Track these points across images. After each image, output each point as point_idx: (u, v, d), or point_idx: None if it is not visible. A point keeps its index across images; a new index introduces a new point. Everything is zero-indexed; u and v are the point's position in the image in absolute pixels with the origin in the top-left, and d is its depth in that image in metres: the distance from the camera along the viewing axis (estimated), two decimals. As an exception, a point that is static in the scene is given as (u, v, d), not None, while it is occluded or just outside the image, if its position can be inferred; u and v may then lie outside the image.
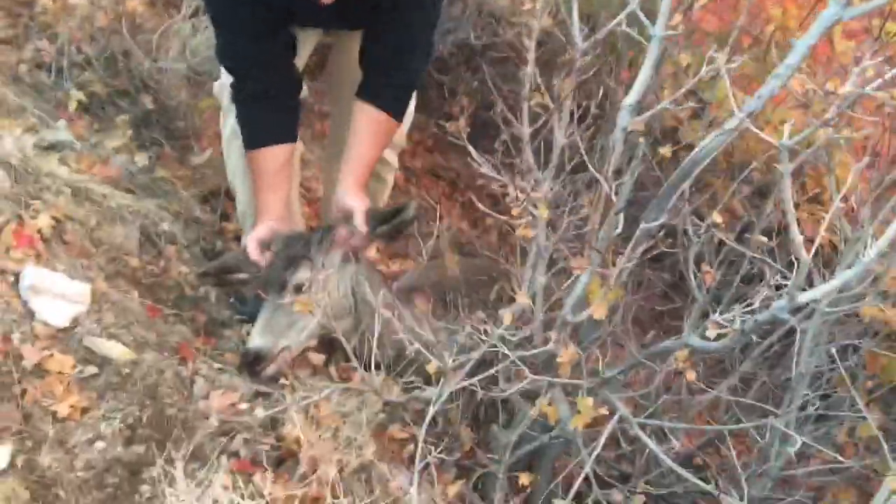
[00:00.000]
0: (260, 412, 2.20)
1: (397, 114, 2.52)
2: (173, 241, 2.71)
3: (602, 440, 2.05)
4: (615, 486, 2.25)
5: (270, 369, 2.25)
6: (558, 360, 2.05)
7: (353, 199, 2.35)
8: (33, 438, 1.79)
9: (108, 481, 1.84)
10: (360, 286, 2.38)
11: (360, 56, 2.48)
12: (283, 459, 2.11)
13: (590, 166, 2.13)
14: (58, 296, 2.07)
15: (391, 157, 2.94)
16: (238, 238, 3.00)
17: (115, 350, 2.09)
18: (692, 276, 2.16)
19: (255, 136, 2.44)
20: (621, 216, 2.07)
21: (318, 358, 2.43)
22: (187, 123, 3.16)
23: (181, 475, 1.86)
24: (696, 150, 2.07)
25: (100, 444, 1.88)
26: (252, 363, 2.23)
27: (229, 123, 2.58)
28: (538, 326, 2.11)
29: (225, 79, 2.54)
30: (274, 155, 2.42)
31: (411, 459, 2.29)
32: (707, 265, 2.15)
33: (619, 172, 2.12)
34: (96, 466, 1.84)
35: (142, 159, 2.92)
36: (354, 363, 2.35)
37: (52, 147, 2.60)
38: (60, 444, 1.82)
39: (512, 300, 2.19)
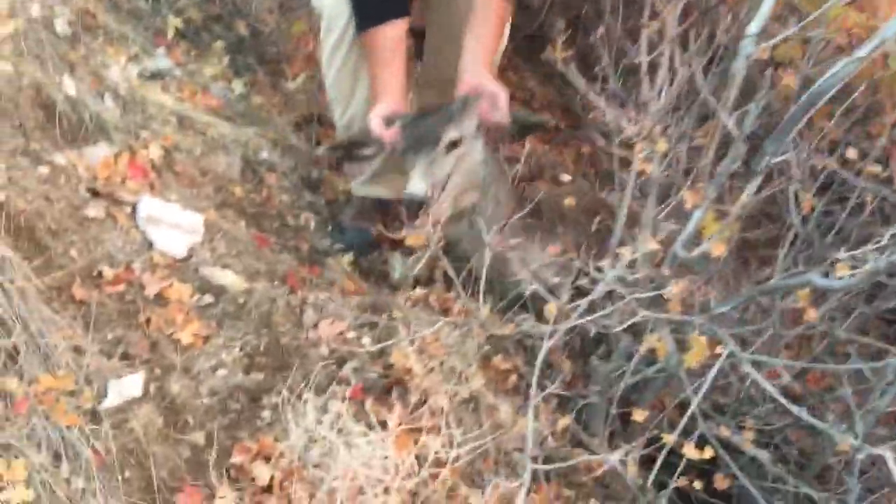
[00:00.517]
0: (367, 342, 2.25)
1: None
2: (272, 169, 2.73)
3: (710, 377, 2.03)
4: (715, 418, 2.24)
5: (423, 219, 2.22)
6: (668, 295, 2.03)
7: (492, 83, 2.34)
8: (161, 366, 1.86)
9: (232, 407, 1.90)
10: (492, 163, 2.41)
11: None
12: (391, 388, 2.15)
13: (707, 97, 2.06)
14: (173, 226, 2.11)
15: None
16: (331, 166, 3.01)
17: (230, 279, 2.13)
18: (792, 206, 2.09)
19: (369, 14, 2.40)
20: (743, 148, 2.00)
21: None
22: (279, 49, 3.14)
23: (301, 402, 1.92)
24: (825, 77, 1.97)
25: (222, 372, 1.94)
26: (416, 207, 2.23)
27: (331, 38, 2.53)
28: (650, 264, 2.08)
29: None
30: (389, 32, 2.39)
31: (515, 390, 2.33)
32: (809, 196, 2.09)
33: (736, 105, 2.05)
34: (220, 392, 1.90)
35: (238, 86, 2.92)
36: (458, 292, 2.38)
37: (154, 76, 2.61)
38: (186, 371, 1.89)
39: (610, 232, 2.18)
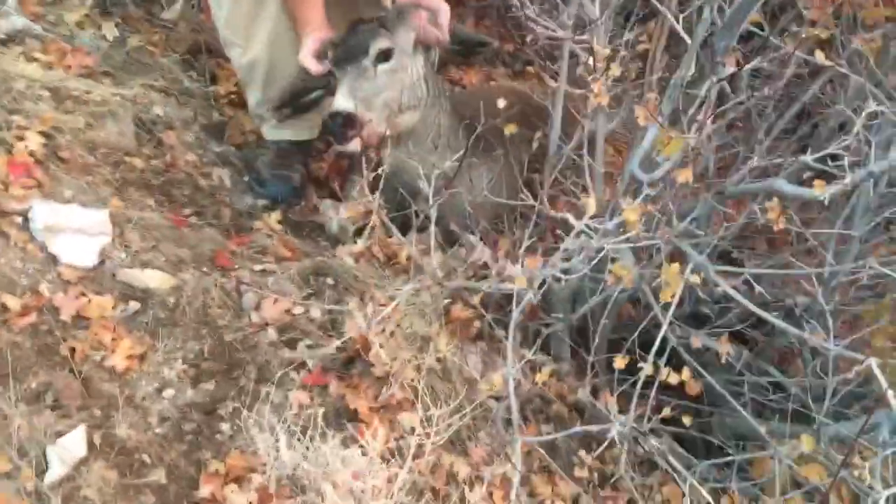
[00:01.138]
0: (316, 313, 2.08)
1: None
2: (170, 125, 2.42)
3: (677, 298, 1.95)
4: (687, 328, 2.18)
5: (355, 141, 2.08)
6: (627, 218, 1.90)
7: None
8: (100, 406, 1.66)
9: (187, 429, 1.73)
10: (432, 79, 2.24)
11: None
12: (352, 360, 2.01)
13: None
14: (77, 231, 1.85)
15: None
16: (233, 103, 2.71)
17: (153, 278, 1.90)
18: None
19: None
20: (694, 54, 1.83)
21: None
22: (146, -24, 2.74)
23: (260, 402, 1.76)
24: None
25: (168, 392, 1.76)
26: (341, 125, 2.05)
27: None
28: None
29: None
30: None
31: (479, 336, 2.22)
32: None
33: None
34: (171, 417, 1.72)
35: (109, 30, 2.55)
36: (399, 239, 2.22)
37: (9, 39, 2.23)
38: (129, 402, 1.69)
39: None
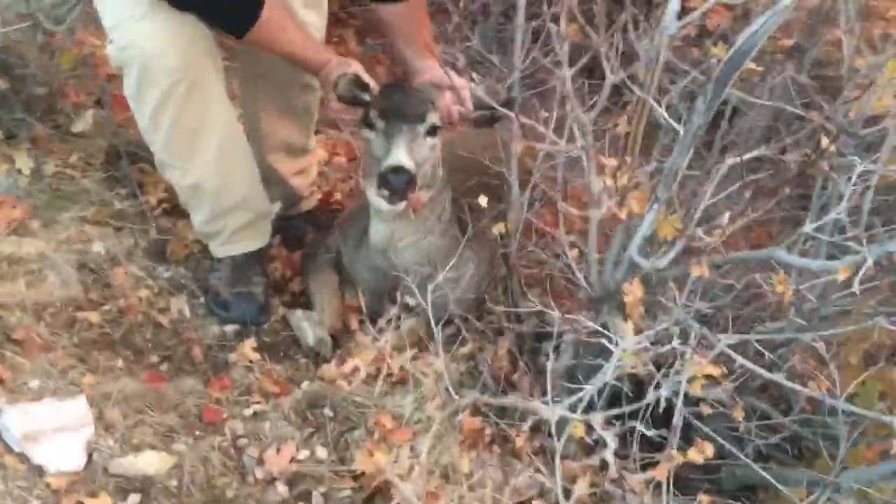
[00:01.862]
0: (322, 452, 1.95)
1: None
2: (114, 260, 2.22)
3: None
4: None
5: (403, 204, 2.02)
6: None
7: (453, 76, 2.13)
8: None
9: None
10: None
11: None
12: (372, 497, 1.90)
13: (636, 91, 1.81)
14: (57, 430, 1.66)
15: None
16: (167, 212, 2.50)
17: (149, 462, 1.73)
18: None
19: (243, 16, 2.01)
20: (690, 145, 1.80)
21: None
22: (51, 89, 2.47)
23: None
24: (747, 35, 1.78)
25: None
26: (406, 182, 1.96)
27: (154, 92, 2.02)
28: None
29: (129, 31, 1.97)
30: (282, 14, 2.05)
31: (492, 440, 2.14)
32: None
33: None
34: None
35: (24, 162, 2.29)
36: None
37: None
38: None
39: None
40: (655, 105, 1.80)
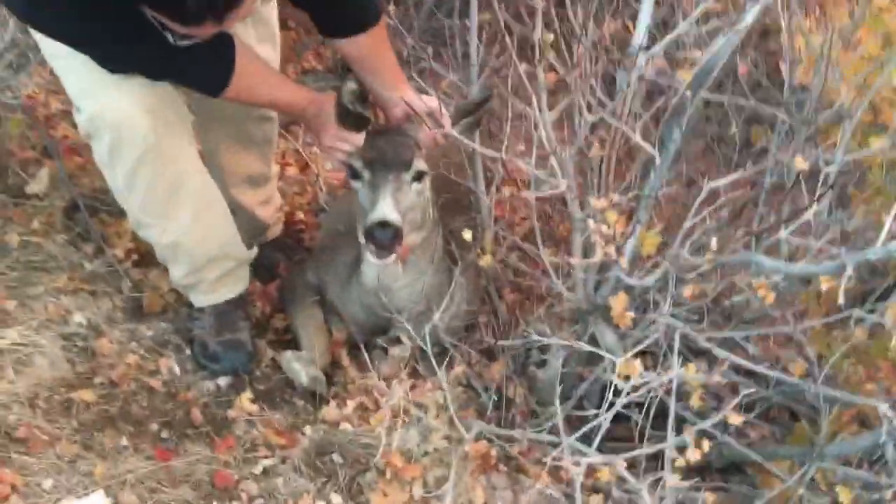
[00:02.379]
0: (337, 500, 1.99)
1: (375, 7, 2.08)
2: (96, 329, 2.18)
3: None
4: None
5: (392, 257, 2.01)
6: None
7: (419, 100, 2.10)
8: None
9: None
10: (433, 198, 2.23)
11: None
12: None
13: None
14: (81, 533, 1.65)
15: None
16: (136, 263, 2.45)
17: (175, 542, 1.74)
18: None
19: (214, 71, 1.92)
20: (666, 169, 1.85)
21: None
22: (2, 154, 2.39)
23: None
24: (708, 55, 1.82)
25: None
26: (391, 237, 1.95)
27: (128, 156, 1.97)
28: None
29: (97, 101, 1.90)
30: (247, 60, 1.95)
31: (497, 460, 2.20)
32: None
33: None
34: None
35: (-19, 237, 2.22)
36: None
37: None
38: None
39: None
40: (629, 132, 1.84)
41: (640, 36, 1.74)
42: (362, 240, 2.03)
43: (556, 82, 1.79)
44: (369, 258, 2.04)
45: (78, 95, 1.95)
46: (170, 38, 1.63)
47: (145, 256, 2.42)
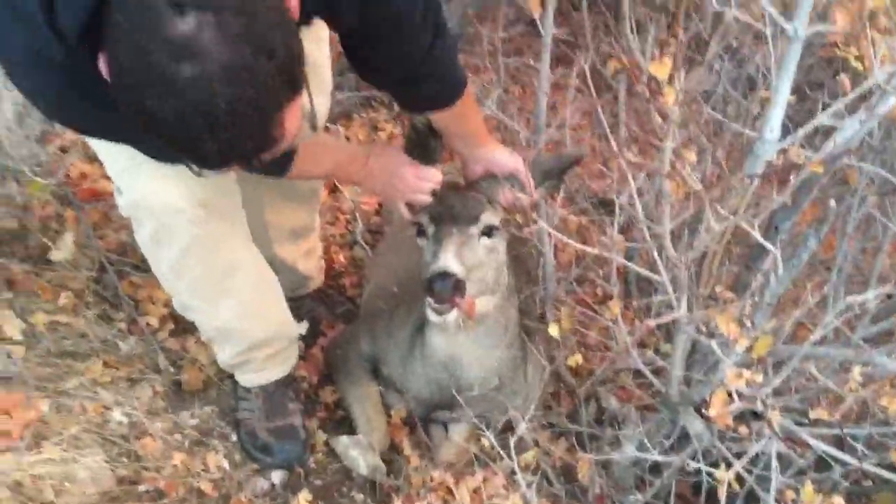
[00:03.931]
0: None
1: (457, 83, 1.83)
2: (137, 427, 1.98)
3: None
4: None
5: (454, 313, 1.85)
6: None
7: (505, 157, 1.97)
8: None
9: None
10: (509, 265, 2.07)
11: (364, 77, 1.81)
12: None
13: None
14: None
15: None
16: (172, 333, 2.25)
17: None
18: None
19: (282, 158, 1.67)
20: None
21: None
22: (21, 219, 2.16)
23: None
24: (841, 139, 1.61)
25: None
26: (452, 288, 1.80)
27: (176, 242, 1.78)
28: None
29: (141, 184, 1.70)
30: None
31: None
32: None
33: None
34: None
35: (12, 326, 2.01)
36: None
37: None
38: None
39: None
40: (748, 227, 1.64)
41: (773, 126, 1.52)
42: (424, 296, 1.86)
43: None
44: (430, 315, 1.87)
45: (119, 176, 1.74)
46: None
47: (181, 321, 2.22)
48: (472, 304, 1.88)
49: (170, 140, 1.17)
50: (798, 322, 1.84)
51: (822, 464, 1.91)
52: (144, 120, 1.14)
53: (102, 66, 1.17)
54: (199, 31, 1.07)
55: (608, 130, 1.75)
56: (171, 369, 2.18)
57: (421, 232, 1.94)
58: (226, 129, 1.13)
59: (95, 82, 1.19)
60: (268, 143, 1.21)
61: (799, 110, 2.49)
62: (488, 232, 1.92)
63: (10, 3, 1.25)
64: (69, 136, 2.10)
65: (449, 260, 1.80)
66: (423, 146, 1.96)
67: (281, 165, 1.71)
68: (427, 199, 1.91)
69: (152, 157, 1.59)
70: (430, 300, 1.83)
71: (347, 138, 3.30)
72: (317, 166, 1.86)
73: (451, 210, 1.90)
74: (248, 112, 1.13)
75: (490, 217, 1.92)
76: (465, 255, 1.84)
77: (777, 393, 1.97)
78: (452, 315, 1.85)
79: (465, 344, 2.02)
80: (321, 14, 1.53)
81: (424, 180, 1.91)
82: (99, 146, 1.73)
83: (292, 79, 1.18)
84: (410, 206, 1.95)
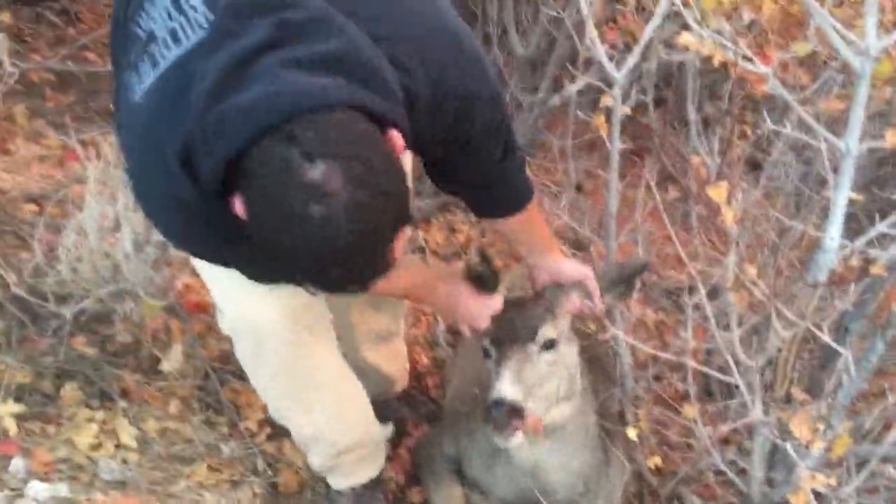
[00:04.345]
0: None
1: (524, 190, 1.97)
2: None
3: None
4: None
5: (518, 436, 1.87)
6: None
7: (572, 266, 2.06)
8: None
9: None
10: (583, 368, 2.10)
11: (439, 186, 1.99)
12: None
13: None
14: None
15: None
16: (269, 437, 2.39)
17: None
18: None
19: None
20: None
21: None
22: (137, 337, 2.37)
23: None
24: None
25: None
26: (507, 415, 1.84)
27: (271, 359, 1.94)
28: None
29: (240, 308, 1.87)
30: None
31: None
32: None
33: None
34: None
35: (127, 433, 2.19)
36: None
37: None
38: None
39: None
40: (816, 330, 1.69)
41: (833, 235, 1.59)
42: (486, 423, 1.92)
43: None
44: (495, 440, 1.90)
45: (221, 299, 1.91)
46: None
47: (277, 426, 2.36)
48: (537, 420, 1.92)
49: (301, 270, 1.34)
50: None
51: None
52: (280, 253, 1.31)
53: (237, 206, 1.34)
54: (327, 177, 1.24)
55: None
56: (269, 472, 2.32)
57: (486, 354, 2.00)
58: (349, 260, 1.30)
59: (221, 218, 1.37)
60: (382, 270, 1.37)
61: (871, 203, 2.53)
62: (549, 345, 1.94)
63: (154, 151, 1.44)
64: (179, 258, 2.30)
65: (504, 387, 1.84)
66: (479, 278, 1.98)
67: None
68: (485, 323, 1.98)
69: (254, 279, 1.77)
70: (489, 427, 1.89)
71: (426, 241, 3.47)
72: (393, 287, 1.95)
73: (510, 329, 1.95)
74: (366, 245, 1.30)
75: (549, 330, 1.95)
76: (524, 376, 1.88)
77: (868, 492, 1.98)
78: (517, 438, 1.88)
79: (548, 451, 2.07)
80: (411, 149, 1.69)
81: (484, 308, 1.99)
82: (203, 270, 1.92)
83: (403, 215, 1.36)
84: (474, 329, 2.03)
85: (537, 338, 1.93)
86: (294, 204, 1.25)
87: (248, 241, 1.35)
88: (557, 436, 2.04)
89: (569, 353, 2.02)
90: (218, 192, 1.36)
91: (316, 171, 1.24)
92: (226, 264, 1.74)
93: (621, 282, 2.06)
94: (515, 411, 1.83)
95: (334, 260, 1.29)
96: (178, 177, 1.41)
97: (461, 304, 2.02)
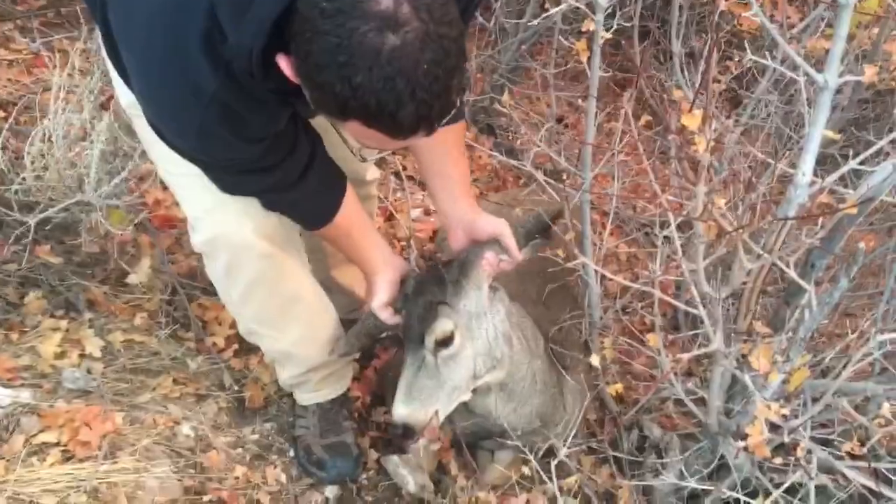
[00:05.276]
0: None
1: (461, 108, 1.88)
2: (203, 440, 2.12)
3: None
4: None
5: (420, 441, 1.90)
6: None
7: (488, 221, 1.95)
8: None
9: None
10: (517, 326, 2.06)
11: None
12: None
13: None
14: None
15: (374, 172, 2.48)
16: (236, 353, 2.40)
17: None
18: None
19: (320, 211, 1.89)
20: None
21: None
22: (103, 247, 2.34)
23: None
24: (872, 183, 1.66)
25: None
26: (401, 437, 1.87)
27: (242, 275, 1.92)
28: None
29: (215, 225, 1.84)
30: (348, 211, 1.90)
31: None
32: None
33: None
34: None
35: (92, 344, 2.17)
36: None
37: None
38: None
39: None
40: (782, 265, 1.70)
41: (805, 171, 1.58)
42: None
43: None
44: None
45: (195, 216, 1.87)
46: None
47: (244, 342, 2.36)
48: (433, 429, 1.88)
49: (374, 111, 1.29)
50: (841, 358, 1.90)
51: (864, 498, 1.95)
52: (348, 97, 1.27)
53: (285, 66, 1.33)
54: (397, 5, 1.23)
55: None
56: (235, 387, 2.33)
57: None
58: (424, 91, 1.27)
59: (244, 103, 1.41)
60: (450, 107, 1.35)
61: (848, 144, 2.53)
62: (445, 342, 1.86)
63: (170, 40, 1.40)
64: (146, 166, 2.26)
65: (397, 407, 1.84)
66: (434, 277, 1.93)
67: (317, 221, 1.88)
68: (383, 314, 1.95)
69: (230, 192, 1.75)
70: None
71: (403, 167, 3.43)
72: (336, 243, 2.01)
73: (406, 326, 1.90)
74: (440, 74, 1.28)
75: (444, 324, 1.86)
76: (420, 385, 1.85)
77: (822, 426, 2.02)
78: (421, 443, 1.89)
79: (496, 401, 2.06)
80: None
81: (381, 315, 1.95)
82: (178, 187, 1.88)
83: (463, 48, 1.34)
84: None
85: (426, 342, 1.86)
86: (365, 35, 1.23)
87: (290, 104, 1.42)
88: (501, 390, 2.05)
89: (487, 324, 1.94)
90: (255, 66, 1.35)
91: (386, 1, 1.22)
92: (229, 160, 1.69)
93: (538, 232, 2.00)
94: (408, 431, 1.84)
95: (411, 94, 1.27)
96: (198, 64, 1.38)
97: (373, 296, 1.97)
